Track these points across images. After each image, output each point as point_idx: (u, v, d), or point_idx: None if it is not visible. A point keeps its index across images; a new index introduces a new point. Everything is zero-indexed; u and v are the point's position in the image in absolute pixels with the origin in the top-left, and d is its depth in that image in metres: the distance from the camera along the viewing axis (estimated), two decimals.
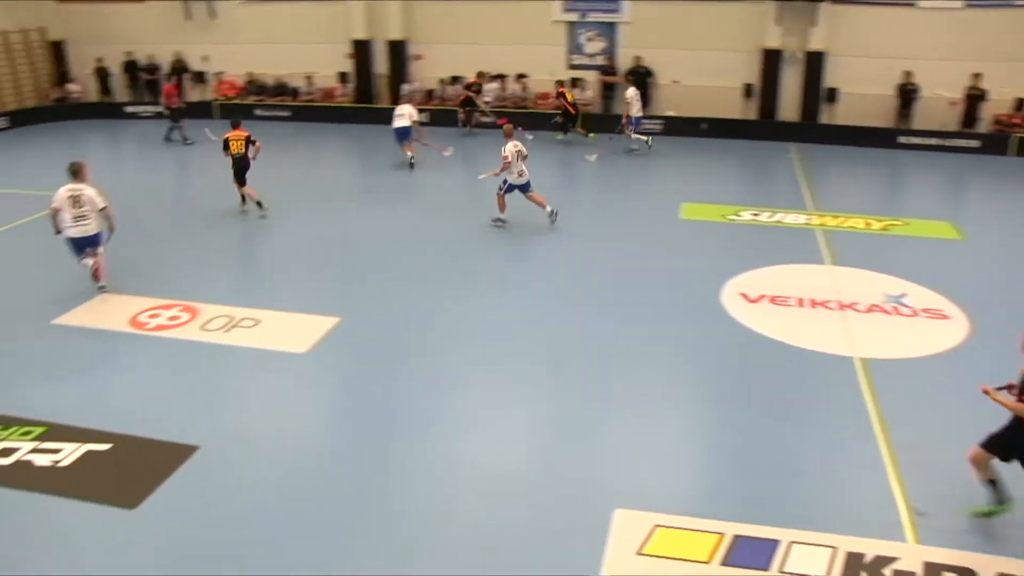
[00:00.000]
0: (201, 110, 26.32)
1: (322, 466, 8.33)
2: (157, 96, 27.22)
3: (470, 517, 7.54)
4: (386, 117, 23.95)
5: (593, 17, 24.15)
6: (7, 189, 18.33)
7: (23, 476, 8.15)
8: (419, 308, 11.89)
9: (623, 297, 12.28)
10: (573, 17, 24.27)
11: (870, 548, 6.95)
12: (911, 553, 6.93)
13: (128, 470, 8.28)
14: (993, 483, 7.30)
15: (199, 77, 27.48)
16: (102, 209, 12.29)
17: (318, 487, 7.98)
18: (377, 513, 7.57)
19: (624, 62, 24.03)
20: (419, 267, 13.51)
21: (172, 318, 11.66)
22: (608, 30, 24.18)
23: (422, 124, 20.85)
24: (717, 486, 8.00)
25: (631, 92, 21.32)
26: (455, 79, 25.04)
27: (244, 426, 9.09)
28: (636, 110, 21.33)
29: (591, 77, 24.43)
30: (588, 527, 7.26)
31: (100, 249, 12.49)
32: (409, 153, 19.81)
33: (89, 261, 12.38)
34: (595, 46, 24.47)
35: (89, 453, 8.50)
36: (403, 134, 19.79)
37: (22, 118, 24.47)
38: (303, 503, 7.72)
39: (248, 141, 16.08)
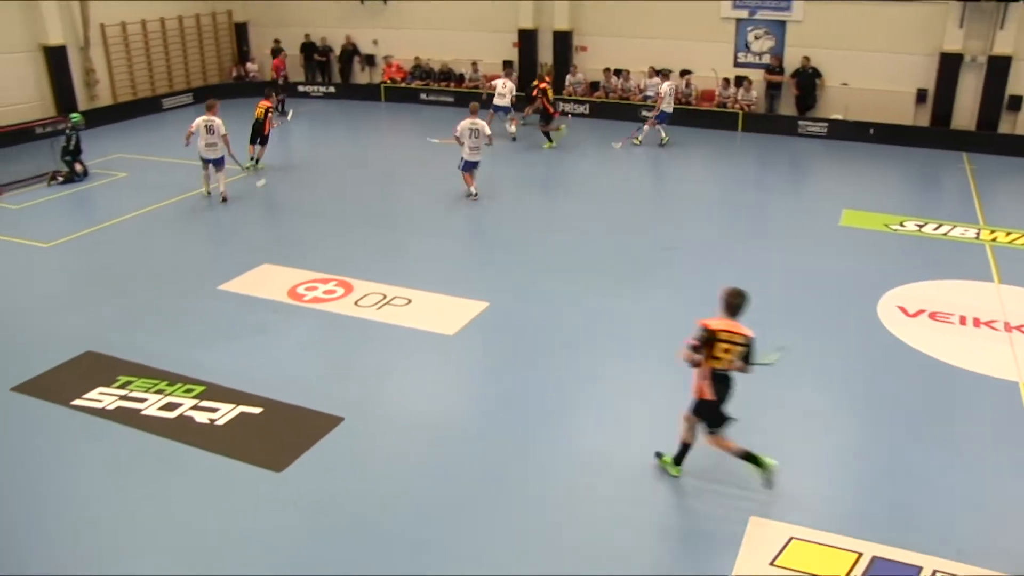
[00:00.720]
0: (369, 92, 27.29)
1: (461, 447, 8.61)
2: (329, 77, 28.40)
3: (603, 511, 7.62)
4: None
5: (762, 15, 23.57)
6: (179, 159, 19.54)
7: (183, 430, 8.79)
8: (567, 298, 12.03)
9: (774, 302, 11.93)
10: (742, 14, 23.77)
11: None
12: None
13: (277, 434, 8.80)
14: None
15: (369, 60, 28.44)
16: (223, 135, 16.19)
17: (455, 467, 8.25)
18: (510, 498, 7.78)
19: (791, 62, 23.36)
20: (572, 258, 13.62)
21: (328, 292, 12.21)
22: (776, 28, 23.56)
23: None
24: (859, 503, 7.80)
25: (666, 87, 21.14)
26: (618, 72, 24.98)
27: (388, 402, 9.47)
28: (667, 104, 21.05)
29: (756, 76, 23.86)
30: (721, 532, 7.25)
31: (222, 169, 16.39)
32: (512, 128, 20.70)
33: (219, 186, 16.48)
34: (762, 44, 23.89)
35: (242, 415, 9.08)
36: (504, 111, 20.59)
37: (203, 95, 25.89)
38: (438, 481, 8.01)
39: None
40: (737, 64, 24.22)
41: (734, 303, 7.45)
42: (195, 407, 9.21)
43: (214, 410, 9.16)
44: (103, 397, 9.41)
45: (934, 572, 6.74)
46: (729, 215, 16.34)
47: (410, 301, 11.86)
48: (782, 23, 23.45)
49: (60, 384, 9.76)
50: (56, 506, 7.71)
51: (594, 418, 9.11)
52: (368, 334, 10.96)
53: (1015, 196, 18.73)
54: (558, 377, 9.93)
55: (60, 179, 18.04)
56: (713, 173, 19.96)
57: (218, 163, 16.44)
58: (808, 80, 22.96)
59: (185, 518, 7.56)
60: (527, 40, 25.91)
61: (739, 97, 23.56)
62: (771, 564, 6.85)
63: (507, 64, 25.71)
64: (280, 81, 25.40)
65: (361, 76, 28.50)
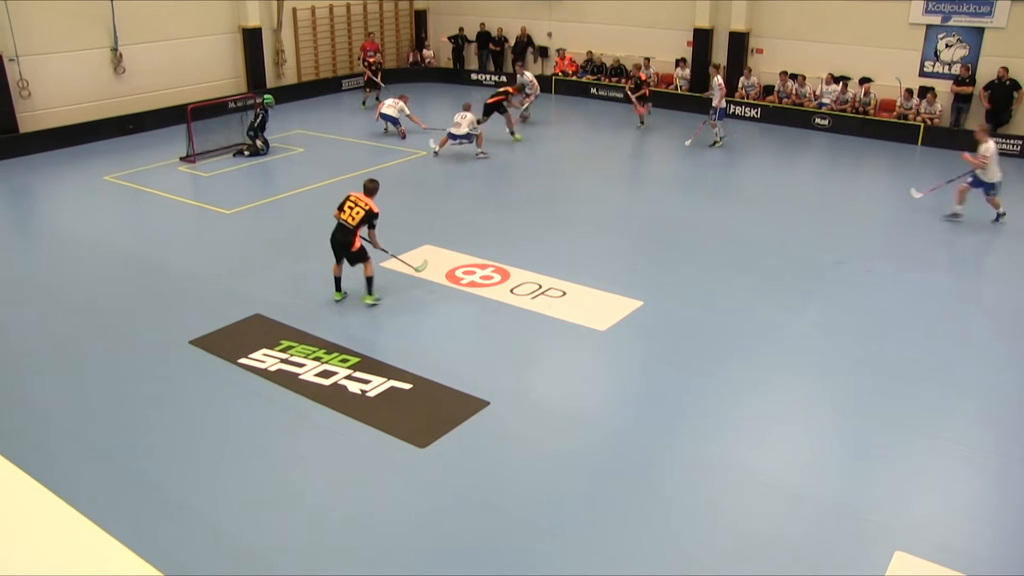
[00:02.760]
0: (541, 84, 27.54)
1: (600, 442, 8.68)
2: (501, 66, 28.88)
3: (737, 524, 7.51)
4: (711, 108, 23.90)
5: (957, 21, 22.34)
6: (352, 138, 20.36)
7: (337, 398, 9.23)
8: (725, 304, 11.84)
9: (952, 325, 11.42)
10: (934, 20, 22.59)
11: None
12: None
13: (424, 412, 9.12)
14: None
15: (542, 52, 28.74)
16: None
17: (592, 460, 8.34)
18: (643, 498, 7.80)
19: (984, 73, 22.03)
20: (735, 265, 13.35)
21: (485, 277, 12.49)
22: (972, 36, 22.27)
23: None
24: (1013, 547, 7.30)
25: (718, 80, 20.29)
26: (794, 76, 24.28)
27: (535, 391, 9.63)
28: (718, 100, 20.15)
29: (943, 87, 22.60)
30: (864, 561, 6.97)
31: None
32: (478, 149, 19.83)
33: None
34: (953, 53, 22.65)
35: (392, 389, 9.45)
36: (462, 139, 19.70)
37: (382, 78, 26.84)
38: (575, 473, 8.12)
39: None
40: (923, 74, 23.06)
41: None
42: (349, 377, 9.65)
43: (367, 382, 9.57)
44: (266, 358, 10.02)
45: None
46: (897, 233, 15.56)
47: (564, 293, 11.98)
48: (980, 30, 22.15)
49: (231, 342, 10.49)
50: (209, 458, 8.32)
51: (738, 430, 8.94)
52: (520, 322, 11.16)
53: None
54: (703, 382, 9.83)
55: (247, 152, 19.18)
56: (887, 187, 19.08)
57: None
58: (1004, 93, 21.53)
59: (326, 482, 8.01)
60: (701, 40, 25.54)
61: (921, 109, 22.42)
62: None
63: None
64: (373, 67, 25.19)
65: (533, 67, 28.82)
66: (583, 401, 9.54)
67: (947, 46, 22.58)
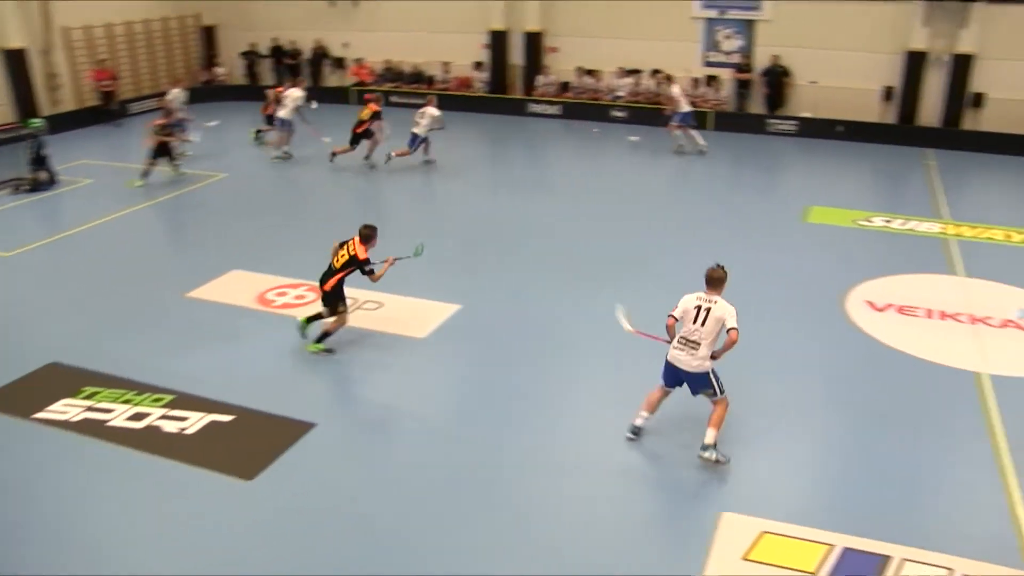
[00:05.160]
0: (339, 95, 27.10)
1: (436, 451, 8.58)
2: (298, 80, 28.21)
3: (575, 511, 7.64)
4: (519, 107, 24.34)
5: (732, 14, 23.70)
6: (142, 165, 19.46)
7: (152, 441, 8.69)
8: (540, 300, 12.03)
9: (743, 299, 11.91)
10: (711, 14, 23.88)
11: (988, 572, 6.74)
12: None
13: (247, 442, 8.74)
14: None
15: (339, 63, 28.32)
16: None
17: (430, 472, 8.22)
18: (488, 502, 7.78)
19: (760, 61, 23.52)
20: (543, 258, 13.61)
21: (298, 297, 12.15)
22: (745, 28, 23.70)
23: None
24: (828, 496, 7.90)
25: (676, 89, 20.98)
26: (589, 72, 25.05)
27: (361, 406, 9.45)
28: (684, 106, 20.89)
29: (725, 75, 24.01)
30: (694, 528, 7.30)
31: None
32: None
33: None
34: (731, 44, 24.02)
35: (213, 423, 9.00)
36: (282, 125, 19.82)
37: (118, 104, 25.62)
38: (413, 487, 7.97)
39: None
40: (707, 64, 24.35)
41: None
42: (164, 416, 9.11)
43: (183, 419, 9.07)
44: (68, 409, 9.28)
45: (902, 560, 6.83)
46: (699, 212, 16.42)
47: (382, 304, 11.81)
48: (751, 22, 23.59)
49: (22, 397, 9.59)
50: (19, 520, 7.62)
51: (568, 418, 9.15)
52: (340, 339, 10.90)
53: (979, 191, 19.00)
54: (530, 377, 9.94)
55: (26, 187, 17.75)
56: (683, 172, 20.01)
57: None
58: (777, 79, 23.13)
59: (152, 530, 7.48)
60: (497, 41, 25.90)
61: (709, 96, 23.69)
62: (742, 559, 6.89)
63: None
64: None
65: (331, 79, 28.36)
66: (410, 410, 9.42)
67: (725, 37, 23.92)
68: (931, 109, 22.46)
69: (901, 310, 11.69)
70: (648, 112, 23.11)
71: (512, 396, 9.55)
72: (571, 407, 9.41)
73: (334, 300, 10.43)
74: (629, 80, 24.62)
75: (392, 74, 27.39)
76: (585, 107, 24.70)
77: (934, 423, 9.05)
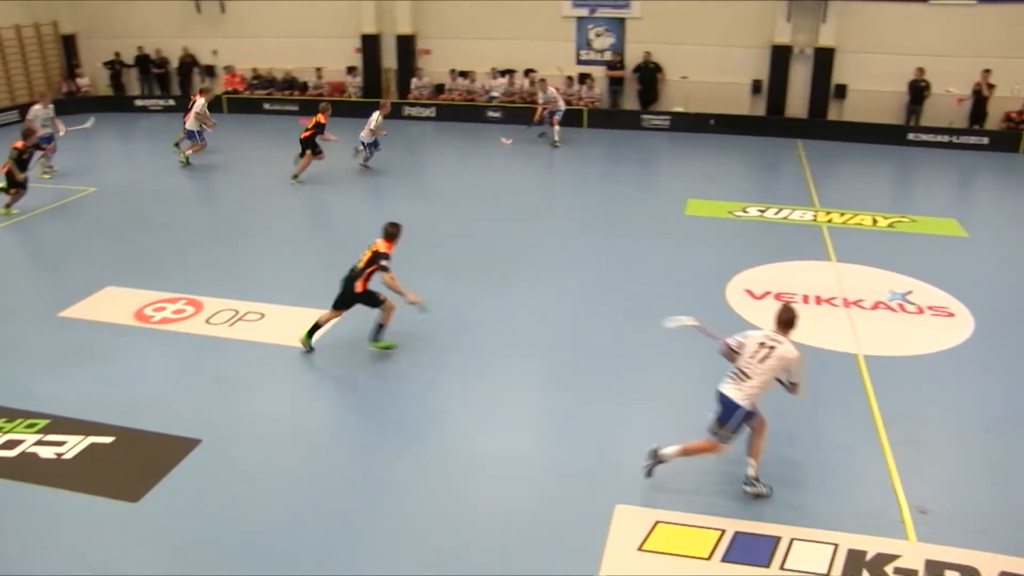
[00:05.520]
0: (211, 104, 26.21)
1: (326, 460, 8.38)
2: (168, 90, 27.33)
3: (474, 512, 7.58)
4: (395, 110, 24.03)
5: (602, 12, 24.10)
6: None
7: (27, 469, 8.20)
8: (427, 300, 11.77)
9: (627, 293, 12.28)
10: (582, 12, 24.23)
11: (871, 546, 6.97)
12: (912, 551, 6.95)
13: (131, 463, 8.33)
14: None
15: (209, 71, 27.51)
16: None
17: (322, 482, 8.02)
18: (382, 508, 7.62)
19: (632, 57, 23.99)
20: (429, 260, 13.40)
21: (177, 311, 11.71)
22: (616, 26, 24.13)
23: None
24: (719, 483, 7.98)
25: (553, 91, 21.46)
26: (463, 74, 25.05)
27: (247, 420, 9.13)
28: (561, 104, 21.44)
29: (598, 73, 24.39)
30: (589, 522, 7.29)
31: None
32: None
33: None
34: (603, 41, 24.42)
35: (93, 446, 8.55)
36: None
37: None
38: (306, 498, 7.76)
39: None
40: (580, 62, 24.68)
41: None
42: (39, 442, 8.60)
43: (61, 443, 8.57)
44: None
45: (791, 540, 7.01)
46: (578, 209, 16.62)
47: (263, 316, 11.49)
48: (622, 20, 24.03)
49: None
50: None
51: (459, 419, 9.07)
52: (221, 352, 10.55)
53: (845, 179, 19.80)
54: (418, 379, 9.81)
55: None
56: (561, 169, 20.23)
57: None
58: (649, 75, 23.62)
59: (34, 560, 7.06)
60: (370, 45, 25.62)
61: (583, 94, 24.01)
62: (638, 549, 6.94)
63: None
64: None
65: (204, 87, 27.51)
66: (300, 421, 9.16)
67: (597, 35, 24.29)
68: (798, 101, 23.37)
69: (779, 297, 12.02)
70: (523, 112, 23.22)
71: (403, 401, 9.40)
72: (460, 411, 9.29)
73: (371, 297, 10.38)
74: (503, 81, 24.75)
75: (263, 81, 26.78)
76: (460, 109, 24.70)
77: (816, 405, 9.31)
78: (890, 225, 15.62)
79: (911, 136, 22.35)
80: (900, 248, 14.37)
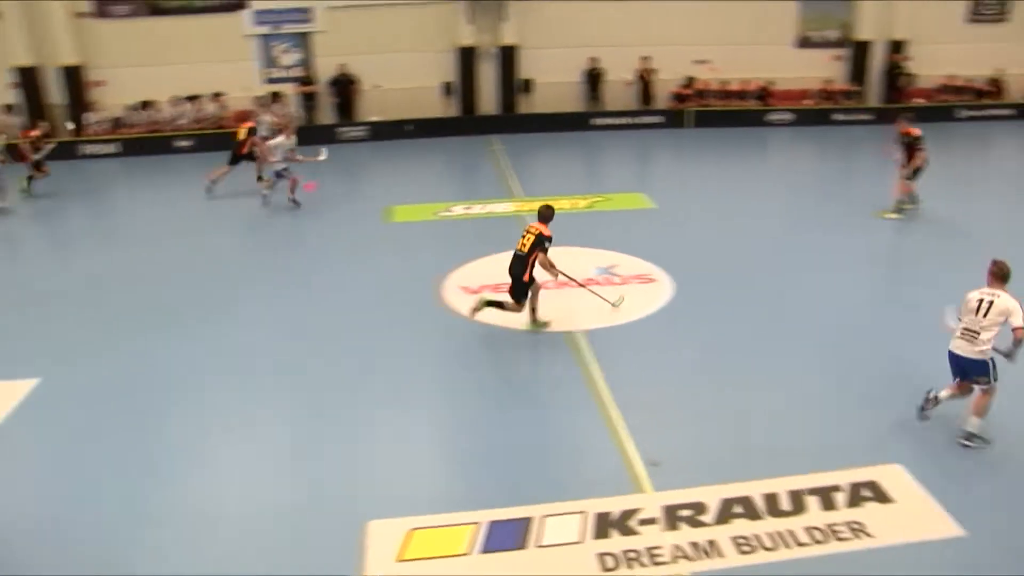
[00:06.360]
0: None
1: (33, 554, 7.26)
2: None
3: (222, 561, 6.91)
4: (68, 150, 22.09)
5: (285, 28, 23.56)
6: None
7: None
8: (135, 351, 10.76)
9: (342, 309, 11.87)
10: (264, 30, 23.53)
11: (615, 505, 7.27)
12: (650, 501, 7.34)
13: None
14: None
15: None
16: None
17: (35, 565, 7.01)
18: (120, 558, 6.91)
19: (325, 71, 23.63)
20: (137, 307, 12.29)
21: None
22: (301, 40, 23.69)
23: None
24: (465, 478, 8.01)
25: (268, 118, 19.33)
26: (145, 104, 23.47)
27: None
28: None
29: (290, 90, 23.75)
30: (343, 545, 6.95)
31: None
32: None
33: None
34: (290, 58, 23.89)
35: None
36: None
37: None
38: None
39: None
40: (269, 80, 23.95)
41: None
42: None
43: None
44: None
45: (542, 517, 7.14)
46: (278, 231, 15.95)
47: None
48: (306, 35, 23.63)
49: None
50: None
51: (188, 468, 8.23)
52: None
53: (541, 168, 20.75)
54: (138, 436, 8.79)
55: None
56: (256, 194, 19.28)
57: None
58: (344, 87, 23.39)
59: None
60: (28, 79, 23.05)
61: (276, 112, 23.23)
62: (397, 561, 6.76)
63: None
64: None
65: None
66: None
67: (283, 52, 23.74)
68: (489, 98, 24.16)
69: (495, 288, 12.18)
70: (218, 138, 21.90)
71: (124, 467, 8.31)
72: (197, 458, 8.45)
73: (523, 291, 10.67)
74: (189, 107, 23.52)
75: None
76: (146, 142, 23.07)
77: (543, 387, 9.58)
78: (589, 206, 16.43)
79: (594, 121, 23.88)
80: (600, 226, 15.15)
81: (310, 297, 12.41)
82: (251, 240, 15.66)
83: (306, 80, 23.70)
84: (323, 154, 16.79)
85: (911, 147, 15.10)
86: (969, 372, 8.17)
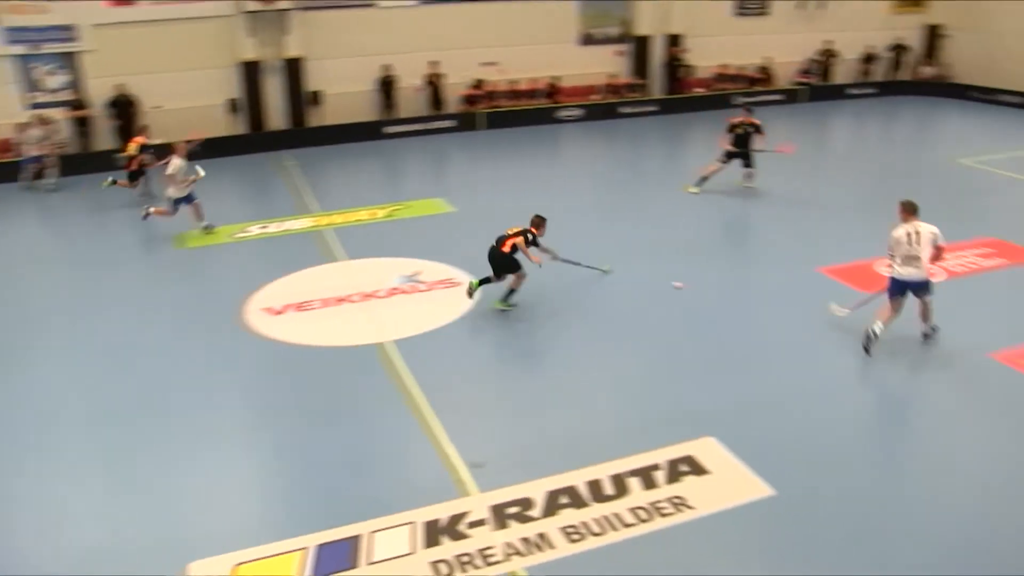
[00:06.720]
0: None
1: None
2: None
3: None
4: None
5: (47, 48, 21.97)
6: None
7: None
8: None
9: (138, 348, 11.12)
10: (20, 50, 21.82)
11: (443, 512, 7.37)
12: (477, 503, 7.49)
13: None
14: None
15: None
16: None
17: None
18: None
19: (100, 93, 22.15)
20: None
21: None
22: (67, 61, 22.18)
23: None
24: (287, 504, 7.86)
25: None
26: None
27: None
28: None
29: (60, 115, 22.11)
30: None
31: None
32: None
33: None
34: (57, 80, 22.34)
35: None
36: None
37: None
38: None
39: None
40: (36, 105, 22.27)
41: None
42: None
43: None
44: None
45: (371, 534, 7.13)
46: (56, 265, 14.98)
47: None
48: (72, 55, 22.15)
49: None
50: None
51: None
52: None
53: (338, 180, 20.50)
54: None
55: None
56: (40, 231, 18.10)
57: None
58: (124, 109, 22.06)
59: None
60: None
61: (46, 141, 21.56)
62: None
63: None
64: None
65: None
66: None
67: (48, 74, 22.19)
68: (277, 113, 23.55)
69: (300, 307, 12.00)
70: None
71: None
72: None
73: (508, 266, 11.46)
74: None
75: None
76: None
77: (357, 402, 9.49)
78: (388, 215, 16.39)
79: (388, 129, 23.84)
80: (401, 234, 15.18)
81: (108, 330, 11.65)
82: (31, 275, 14.52)
83: (77, 104, 22.22)
84: (201, 172, 16.02)
85: (751, 134, 16.78)
86: (918, 291, 9.88)
